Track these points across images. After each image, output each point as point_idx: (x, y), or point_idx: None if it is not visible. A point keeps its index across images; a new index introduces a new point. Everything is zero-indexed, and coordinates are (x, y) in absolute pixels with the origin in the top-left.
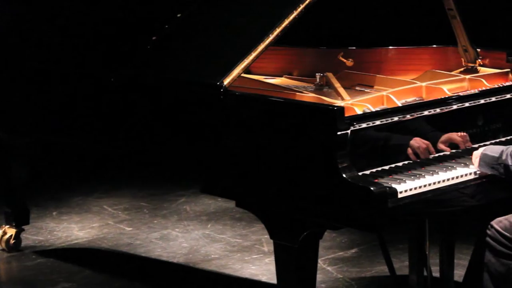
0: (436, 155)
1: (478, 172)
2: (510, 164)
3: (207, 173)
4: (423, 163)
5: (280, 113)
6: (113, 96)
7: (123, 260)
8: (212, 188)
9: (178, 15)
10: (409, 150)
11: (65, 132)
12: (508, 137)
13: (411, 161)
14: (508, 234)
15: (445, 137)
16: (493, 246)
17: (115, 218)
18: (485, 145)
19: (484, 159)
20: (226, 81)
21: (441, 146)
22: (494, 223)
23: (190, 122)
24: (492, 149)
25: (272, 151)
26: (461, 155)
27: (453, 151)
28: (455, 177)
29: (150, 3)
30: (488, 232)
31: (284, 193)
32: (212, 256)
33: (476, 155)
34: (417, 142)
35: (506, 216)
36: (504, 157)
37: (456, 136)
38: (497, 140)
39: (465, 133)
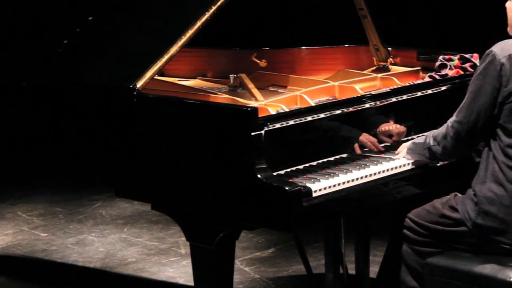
0: (349, 153)
1: (397, 166)
2: (431, 144)
3: (121, 176)
4: (337, 162)
5: (194, 115)
6: (26, 101)
7: (39, 266)
8: (126, 191)
9: (90, 18)
10: (356, 145)
11: None
12: (420, 135)
13: (325, 160)
14: (423, 222)
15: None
16: (409, 236)
17: (30, 224)
18: (398, 142)
19: (412, 148)
20: (139, 84)
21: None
22: (410, 214)
23: (104, 126)
24: (419, 138)
25: (186, 153)
26: (374, 153)
27: (365, 149)
28: (368, 175)
29: (61, 6)
30: (405, 223)
31: (199, 195)
32: (129, 260)
33: (405, 146)
34: (365, 137)
35: (421, 207)
36: (428, 140)
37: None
38: (409, 138)
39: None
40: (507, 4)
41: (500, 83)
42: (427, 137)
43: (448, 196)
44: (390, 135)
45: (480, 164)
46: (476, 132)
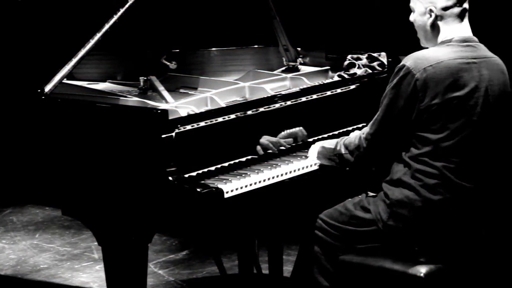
0: (261, 154)
1: (308, 165)
2: (343, 152)
3: (31, 182)
4: (248, 163)
5: (103, 118)
6: None
7: None
8: (37, 197)
9: None
10: (258, 147)
11: None
12: (330, 133)
13: (236, 161)
14: (334, 223)
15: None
16: (320, 237)
17: None
18: (309, 142)
19: (322, 152)
20: (47, 88)
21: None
22: (322, 214)
23: (13, 131)
24: (329, 142)
25: (95, 157)
26: (285, 153)
27: (282, 148)
28: (279, 175)
29: None
30: (316, 224)
31: (109, 199)
32: (41, 266)
33: (314, 148)
34: (266, 139)
35: (333, 207)
36: (338, 147)
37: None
38: (320, 137)
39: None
40: (411, 18)
41: (416, 98)
42: (338, 144)
43: (360, 196)
44: (294, 139)
45: (393, 168)
46: (390, 144)
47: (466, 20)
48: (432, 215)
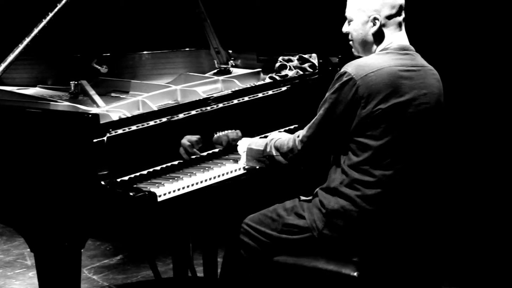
0: (193, 157)
1: (241, 167)
2: (274, 154)
3: None
4: (181, 166)
5: (34, 123)
6: None
7: None
8: None
9: None
10: (181, 150)
11: None
12: (263, 135)
13: (168, 164)
14: (264, 229)
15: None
16: (247, 243)
17: None
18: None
19: (250, 153)
20: None
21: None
22: (248, 220)
23: None
24: (256, 143)
25: (27, 163)
26: (218, 155)
27: (210, 152)
28: (212, 178)
29: None
30: (242, 229)
31: (41, 205)
32: None
33: (242, 149)
34: (188, 140)
35: (261, 212)
36: (268, 149)
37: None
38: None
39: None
40: (346, 28)
41: (357, 105)
42: (267, 145)
43: (292, 202)
44: (227, 142)
45: (330, 175)
46: (325, 149)
47: (403, 29)
48: (368, 225)
